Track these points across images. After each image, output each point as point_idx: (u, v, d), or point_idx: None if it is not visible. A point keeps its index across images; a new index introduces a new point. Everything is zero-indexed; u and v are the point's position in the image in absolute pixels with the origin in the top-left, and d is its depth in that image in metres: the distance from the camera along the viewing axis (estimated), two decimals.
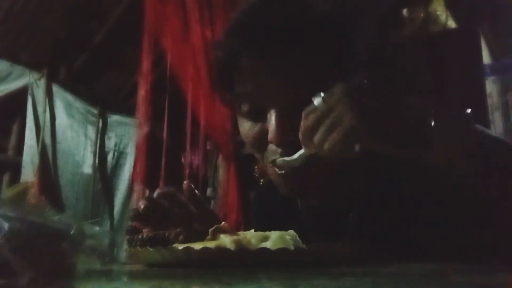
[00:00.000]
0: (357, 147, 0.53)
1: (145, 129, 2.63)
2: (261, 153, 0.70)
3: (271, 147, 0.67)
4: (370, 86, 0.62)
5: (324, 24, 0.67)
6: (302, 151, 0.61)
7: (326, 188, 0.71)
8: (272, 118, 0.65)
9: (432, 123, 0.54)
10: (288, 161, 0.64)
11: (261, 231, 0.55)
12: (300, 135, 0.58)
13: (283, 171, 0.66)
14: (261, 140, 0.68)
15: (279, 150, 0.66)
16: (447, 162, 0.56)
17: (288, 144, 0.64)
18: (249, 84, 0.67)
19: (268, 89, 0.66)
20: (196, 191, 0.78)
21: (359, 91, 0.57)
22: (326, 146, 0.54)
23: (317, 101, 0.56)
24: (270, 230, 0.55)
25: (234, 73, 0.69)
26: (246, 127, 0.70)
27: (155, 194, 0.74)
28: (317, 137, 0.55)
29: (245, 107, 0.69)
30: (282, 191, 0.71)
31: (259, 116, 0.68)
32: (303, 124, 0.57)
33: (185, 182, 0.77)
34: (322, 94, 0.56)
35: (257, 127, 0.69)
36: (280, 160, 0.65)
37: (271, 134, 0.65)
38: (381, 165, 0.68)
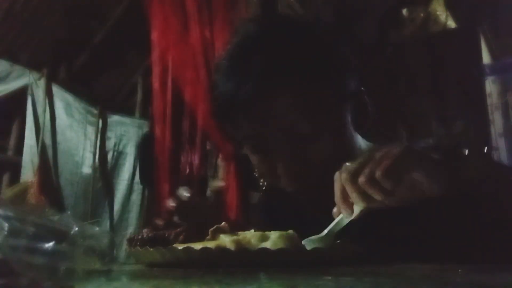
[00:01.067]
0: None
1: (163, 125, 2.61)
2: (276, 182, 0.69)
3: (283, 180, 0.68)
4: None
5: (314, 60, 0.65)
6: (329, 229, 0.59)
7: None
8: (280, 168, 0.66)
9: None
10: (314, 240, 0.59)
11: (267, 229, 0.55)
12: (339, 200, 0.56)
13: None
14: (272, 172, 0.68)
15: (291, 184, 0.68)
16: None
17: (299, 183, 0.66)
18: (247, 127, 0.67)
19: (271, 128, 0.65)
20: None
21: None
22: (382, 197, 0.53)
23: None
24: (276, 229, 0.55)
25: (232, 110, 0.67)
26: (255, 160, 0.71)
27: (183, 193, 0.74)
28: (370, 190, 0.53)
29: (249, 146, 0.70)
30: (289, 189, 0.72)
31: (265, 153, 0.68)
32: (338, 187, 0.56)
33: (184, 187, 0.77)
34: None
35: (266, 161, 0.69)
36: (306, 240, 0.59)
37: (283, 182, 0.67)
38: None
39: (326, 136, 0.66)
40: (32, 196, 2.77)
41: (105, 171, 3.46)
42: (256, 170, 0.73)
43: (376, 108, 0.72)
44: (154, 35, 2.56)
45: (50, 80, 3.12)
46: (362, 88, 0.72)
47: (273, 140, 0.65)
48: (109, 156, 3.51)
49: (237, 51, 0.68)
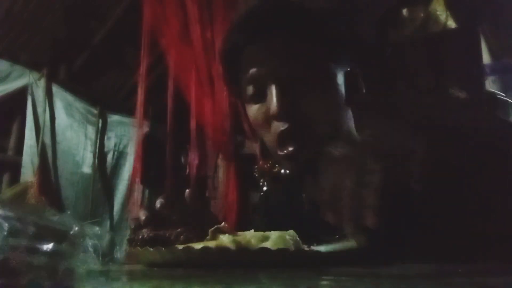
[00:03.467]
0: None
1: (144, 129, 2.63)
2: (268, 133, 0.75)
3: (274, 124, 0.73)
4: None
5: (313, 14, 0.77)
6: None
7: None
8: (272, 94, 0.72)
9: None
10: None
11: (268, 229, 0.55)
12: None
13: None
14: (266, 119, 0.74)
15: (280, 125, 0.72)
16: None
17: (288, 116, 0.71)
18: (251, 68, 0.75)
19: (268, 68, 0.74)
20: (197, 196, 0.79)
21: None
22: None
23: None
24: (277, 229, 0.55)
25: (239, 65, 0.78)
26: (253, 110, 0.77)
27: (157, 205, 0.74)
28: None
29: (250, 90, 0.76)
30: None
31: (263, 97, 0.75)
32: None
33: (187, 191, 0.77)
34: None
35: (262, 107, 0.75)
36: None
37: (272, 109, 0.71)
38: None
39: (318, 92, 0.73)
40: (32, 196, 2.77)
41: (105, 171, 3.46)
42: (252, 124, 0.79)
43: (367, 84, 0.79)
44: (153, 36, 2.56)
45: (50, 80, 3.12)
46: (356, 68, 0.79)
47: (271, 75, 0.73)
48: (109, 156, 3.51)
49: (245, 14, 0.79)
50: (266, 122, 0.75)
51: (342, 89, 0.77)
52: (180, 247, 0.51)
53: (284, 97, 0.71)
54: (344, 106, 0.77)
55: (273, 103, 0.71)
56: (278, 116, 0.71)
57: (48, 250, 0.32)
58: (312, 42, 0.75)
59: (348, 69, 0.78)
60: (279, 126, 0.72)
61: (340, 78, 0.76)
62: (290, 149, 0.72)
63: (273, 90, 0.72)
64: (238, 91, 0.82)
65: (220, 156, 2.89)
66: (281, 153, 0.74)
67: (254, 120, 0.78)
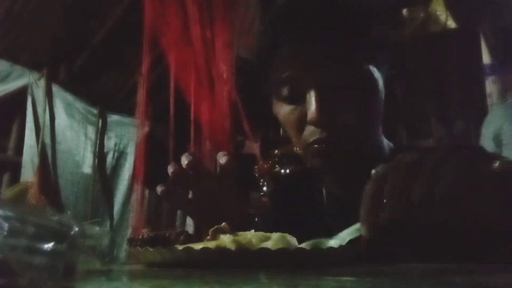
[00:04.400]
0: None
1: (145, 129, 2.63)
2: (299, 136, 0.73)
3: (309, 129, 0.70)
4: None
5: (357, 13, 0.73)
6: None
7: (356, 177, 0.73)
8: (311, 98, 0.68)
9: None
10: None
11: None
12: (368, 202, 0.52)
13: None
14: (300, 122, 0.71)
15: (317, 132, 0.69)
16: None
17: (326, 124, 0.68)
18: (290, 68, 0.72)
19: (308, 71, 0.70)
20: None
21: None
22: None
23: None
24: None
25: (274, 60, 0.74)
26: (286, 111, 0.74)
27: (184, 161, 0.72)
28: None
29: (285, 91, 0.73)
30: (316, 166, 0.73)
31: (298, 99, 0.71)
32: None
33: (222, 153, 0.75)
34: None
35: (297, 110, 0.72)
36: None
37: (310, 114, 0.68)
38: None
39: (358, 100, 0.69)
40: (32, 196, 2.77)
41: (105, 171, 3.46)
42: (280, 121, 0.76)
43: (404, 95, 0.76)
44: (154, 36, 2.56)
45: (50, 80, 3.12)
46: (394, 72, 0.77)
47: (311, 80, 0.69)
48: (110, 156, 3.51)
49: (285, 5, 0.78)
50: (299, 125, 0.72)
51: (382, 96, 0.73)
52: (180, 247, 0.51)
53: (324, 104, 0.68)
54: (381, 115, 0.74)
55: (312, 109, 0.68)
56: (317, 123, 0.68)
57: (48, 250, 0.32)
58: (356, 42, 0.71)
59: (388, 72, 0.75)
60: (315, 133, 0.69)
61: (381, 83, 0.72)
62: (321, 156, 0.70)
63: (313, 95, 0.68)
64: (267, 85, 0.79)
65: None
66: (311, 157, 0.72)
67: (284, 119, 0.75)
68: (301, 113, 0.71)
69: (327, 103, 0.68)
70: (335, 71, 0.69)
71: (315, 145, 0.70)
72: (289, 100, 0.73)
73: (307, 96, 0.69)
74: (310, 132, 0.70)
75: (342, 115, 0.69)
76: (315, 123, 0.68)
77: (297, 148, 0.75)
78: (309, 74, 0.70)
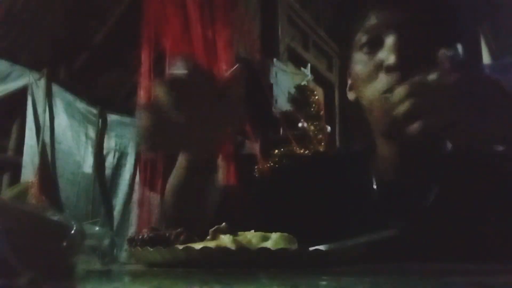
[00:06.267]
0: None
1: None
2: (371, 85, 0.73)
3: (382, 78, 0.71)
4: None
5: None
6: None
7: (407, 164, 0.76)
8: (390, 39, 0.70)
9: None
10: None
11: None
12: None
13: None
14: (374, 71, 0.73)
15: (390, 80, 0.69)
16: None
17: (402, 66, 0.68)
18: (371, 16, 0.74)
19: (389, 18, 0.72)
20: None
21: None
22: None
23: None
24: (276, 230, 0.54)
25: (354, 11, 0.78)
26: (362, 60, 0.75)
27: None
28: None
29: (364, 39, 0.75)
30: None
31: (375, 46, 0.73)
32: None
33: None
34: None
35: (372, 58, 0.73)
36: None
37: (389, 53, 0.69)
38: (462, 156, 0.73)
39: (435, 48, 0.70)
40: (32, 196, 2.77)
41: (106, 171, 3.46)
42: (356, 74, 0.77)
43: None
44: (154, 36, 2.55)
45: (50, 80, 3.11)
46: None
47: (391, 26, 0.71)
48: (110, 156, 3.51)
49: None
50: (372, 73, 0.73)
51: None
52: (180, 247, 0.51)
53: (402, 44, 0.69)
54: None
55: (391, 47, 0.69)
56: (395, 61, 0.68)
57: (48, 250, 0.32)
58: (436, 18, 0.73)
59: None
60: (388, 80, 0.70)
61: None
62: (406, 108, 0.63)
63: (392, 38, 0.70)
64: (345, 40, 0.81)
65: (220, 156, 2.89)
66: (403, 121, 0.63)
67: (359, 70, 0.76)
68: (376, 60, 0.72)
69: (405, 43, 0.69)
70: (414, 23, 0.71)
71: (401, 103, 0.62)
72: (365, 48, 0.75)
73: (386, 39, 0.71)
74: (383, 81, 0.71)
75: (419, 62, 0.68)
76: (393, 60, 0.68)
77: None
78: (390, 20, 0.72)
